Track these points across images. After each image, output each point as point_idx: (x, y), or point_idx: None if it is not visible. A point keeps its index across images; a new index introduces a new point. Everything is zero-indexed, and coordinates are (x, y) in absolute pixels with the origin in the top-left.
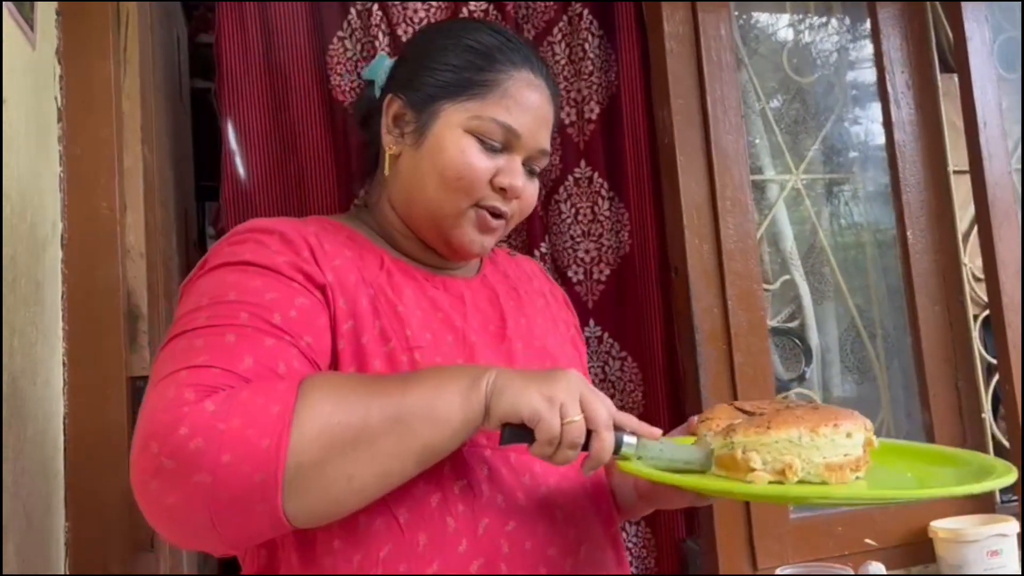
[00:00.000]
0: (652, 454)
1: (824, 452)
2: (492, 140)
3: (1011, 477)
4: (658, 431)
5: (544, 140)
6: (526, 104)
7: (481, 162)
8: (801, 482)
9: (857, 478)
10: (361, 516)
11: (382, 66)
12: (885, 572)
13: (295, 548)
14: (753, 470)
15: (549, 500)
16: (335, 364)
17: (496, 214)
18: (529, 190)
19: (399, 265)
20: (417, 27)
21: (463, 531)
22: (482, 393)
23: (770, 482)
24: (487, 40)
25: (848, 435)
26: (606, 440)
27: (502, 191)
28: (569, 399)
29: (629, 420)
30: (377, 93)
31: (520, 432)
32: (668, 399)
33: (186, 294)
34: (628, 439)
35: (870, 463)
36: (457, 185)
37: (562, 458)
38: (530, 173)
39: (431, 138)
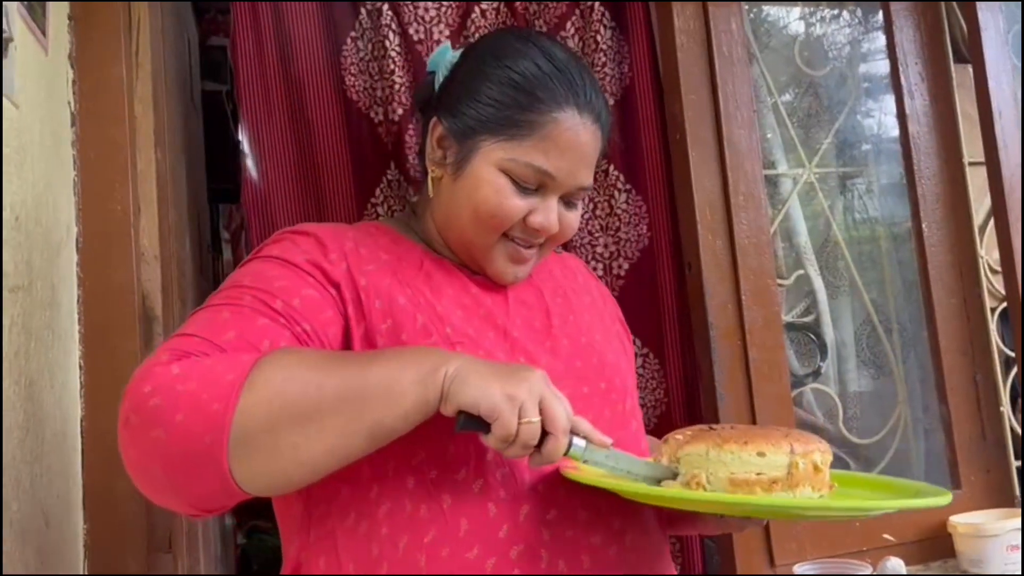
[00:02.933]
0: (598, 460)
1: (731, 468)
2: (526, 183)
3: (944, 500)
4: (609, 440)
5: (584, 178)
6: (565, 147)
7: (514, 203)
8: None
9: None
10: (407, 502)
11: (444, 59)
12: (904, 568)
13: (341, 534)
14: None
15: (593, 490)
16: None
17: (528, 245)
18: (567, 221)
19: (440, 264)
20: (428, 26)
21: (504, 517)
22: (439, 380)
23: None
24: (532, 72)
25: (760, 454)
26: (560, 443)
27: (535, 230)
28: (530, 399)
29: (583, 424)
30: (436, 86)
31: (476, 421)
32: (684, 396)
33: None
34: (578, 441)
35: (828, 488)
36: (490, 223)
37: (512, 454)
38: (568, 204)
39: (469, 172)
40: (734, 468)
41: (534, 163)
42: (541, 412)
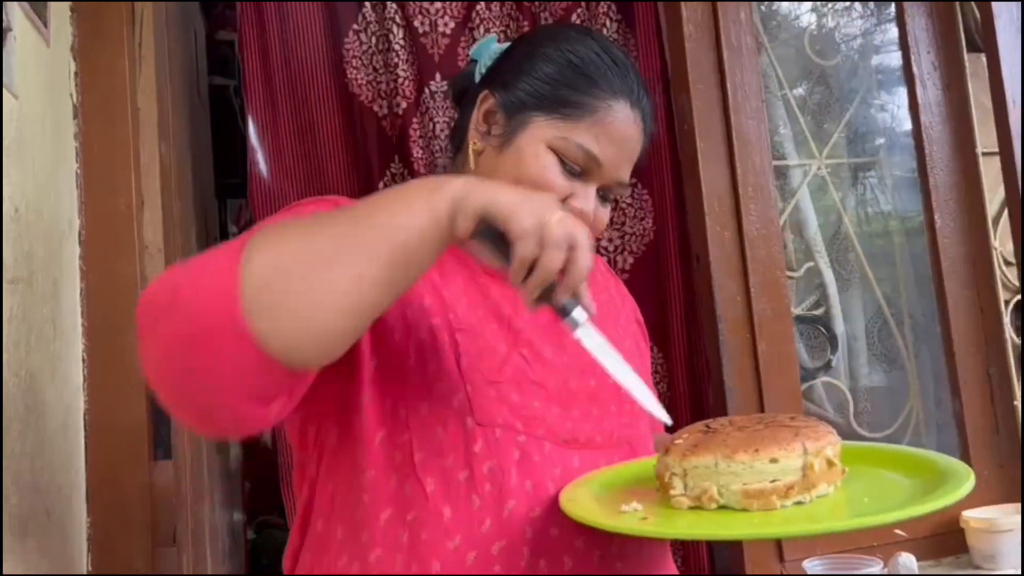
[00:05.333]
0: (593, 344)
1: (743, 479)
2: (573, 164)
3: (968, 484)
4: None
5: (624, 173)
6: (615, 136)
7: (559, 182)
8: (722, 508)
9: (799, 503)
10: (394, 478)
11: (488, 49)
12: (916, 563)
13: (328, 501)
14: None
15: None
16: (376, 328)
17: None
18: (600, 215)
19: (453, 252)
20: (433, 18)
21: (488, 511)
22: (449, 192)
23: (689, 507)
24: (592, 59)
25: (773, 461)
26: (584, 260)
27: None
28: (546, 202)
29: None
30: (478, 76)
31: (493, 234)
32: (689, 391)
33: None
34: (578, 313)
35: (840, 477)
36: None
37: (544, 270)
38: (603, 199)
39: (515, 146)
40: (747, 479)
41: (584, 145)
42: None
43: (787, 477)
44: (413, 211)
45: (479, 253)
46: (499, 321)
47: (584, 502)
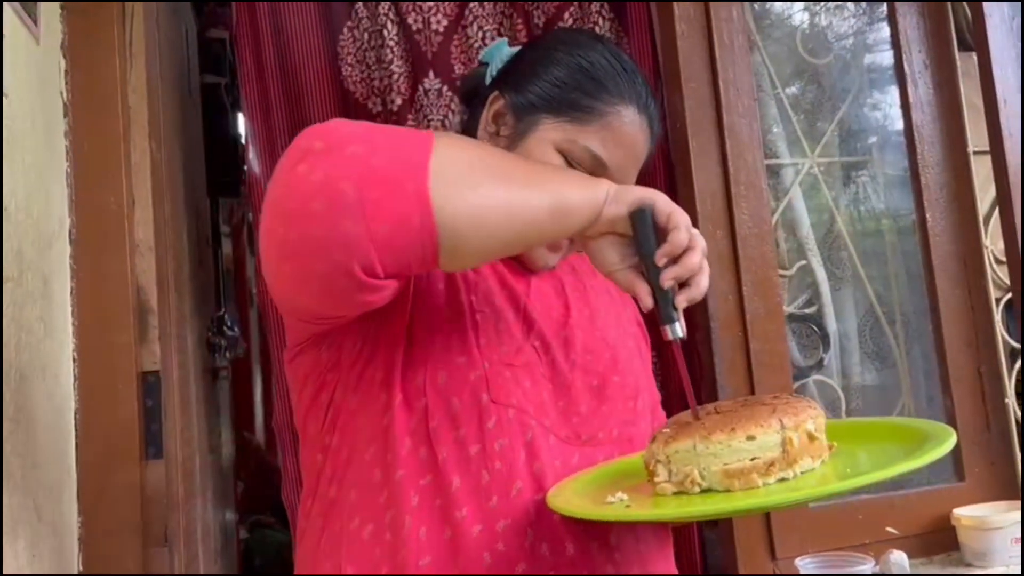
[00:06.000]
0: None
1: (723, 459)
2: (580, 166)
3: (949, 443)
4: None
5: (630, 177)
6: (622, 141)
7: None
8: (706, 491)
9: (782, 479)
10: (408, 441)
11: (499, 52)
12: (907, 561)
13: (343, 465)
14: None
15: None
16: (420, 285)
17: None
18: None
19: None
20: (426, 16)
21: (495, 488)
22: (605, 183)
23: (674, 493)
24: (602, 64)
25: (750, 438)
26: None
27: None
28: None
29: None
30: (488, 78)
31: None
32: (681, 389)
33: None
34: (679, 324)
35: (827, 451)
36: None
37: (685, 266)
38: None
39: (523, 147)
40: (726, 459)
41: (591, 148)
42: None
43: (766, 454)
44: (578, 185)
45: (598, 252)
46: (516, 311)
47: (568, 495)
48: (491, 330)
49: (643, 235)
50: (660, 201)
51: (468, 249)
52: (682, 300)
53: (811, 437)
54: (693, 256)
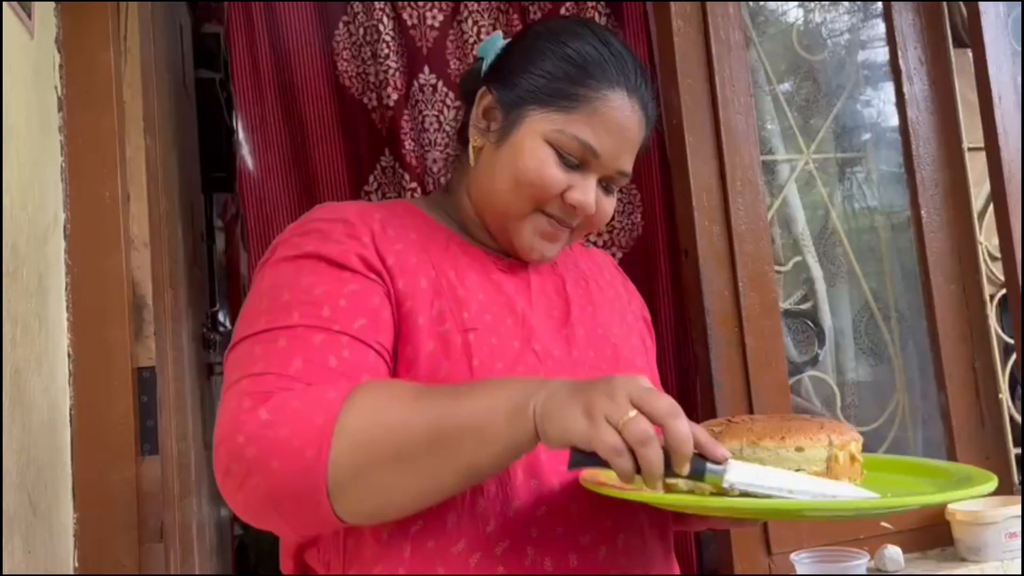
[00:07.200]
0: (748, 481)
1: (768, 465)
2: (571, 156)
3: (991, 485)
4: (727, 453)
5: (625, 163)
6: (612, 126)
7: (556, 175)
8: (743, 495)
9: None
10: None
11: (494, 46)
12: (902, 556)
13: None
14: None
15: (587, 489)
16: (395, 342)
17: (562, 223)
18: (603, 206)
19: (466, 248)
20: (421, 11)
21: (492, 512)
22: (530, 417)
23: (711, 493)
24: (588, 52)
25: (799, 449)
26: (678, 429)
27: (572, 207)
28: (611, 404)
29: (701, 434)
30: (482, 73)
31: (586, 456)
32: (678, 385)
33: (255, 282)
34: (713, 466)
35: (860, 476)
36: (529, 192)
37: (648, 468)
38: (605, 190)
39: (513, 140)
40: (771, 465)
41: (580, 136)
42: (637, 408)
43: (811, 467)
44: (498, 437)
45: None
46: (513, 316)
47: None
48: (485, 348)
49: (591, 463)
50: (575, 440)
51: (388, 518)
52: (679, 468)
53: (852, 459)
54: (642, 458)
